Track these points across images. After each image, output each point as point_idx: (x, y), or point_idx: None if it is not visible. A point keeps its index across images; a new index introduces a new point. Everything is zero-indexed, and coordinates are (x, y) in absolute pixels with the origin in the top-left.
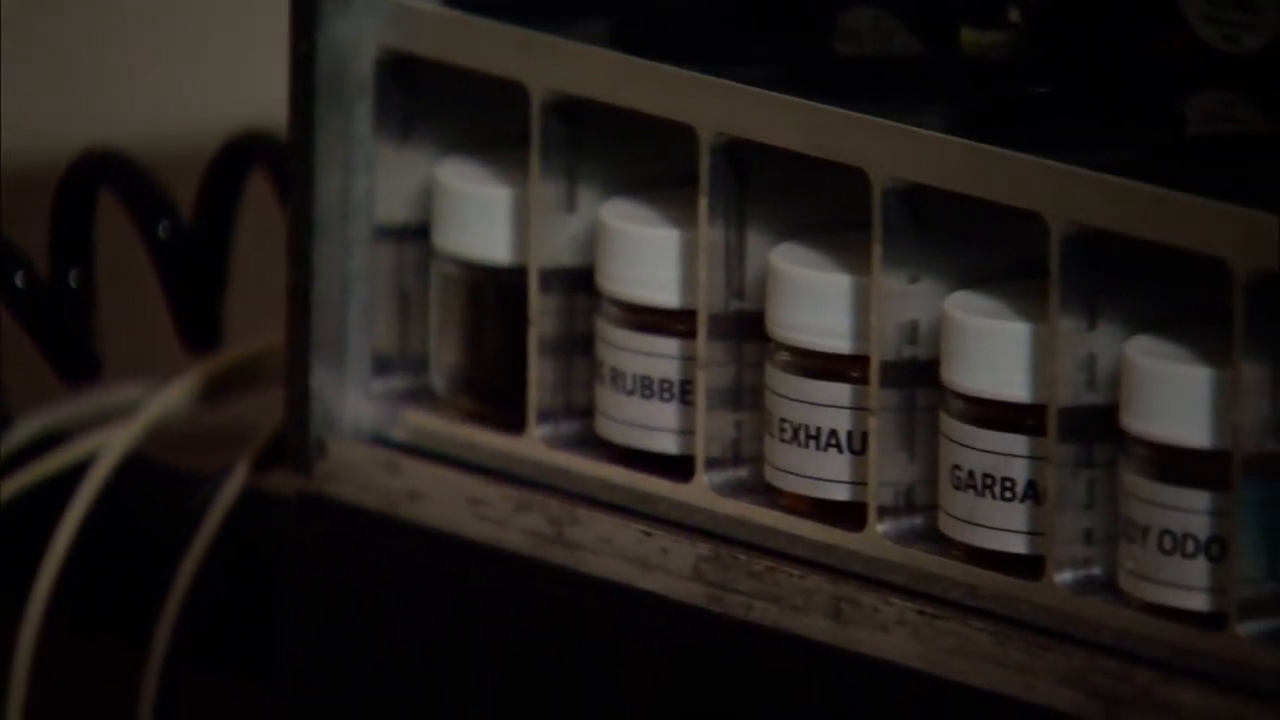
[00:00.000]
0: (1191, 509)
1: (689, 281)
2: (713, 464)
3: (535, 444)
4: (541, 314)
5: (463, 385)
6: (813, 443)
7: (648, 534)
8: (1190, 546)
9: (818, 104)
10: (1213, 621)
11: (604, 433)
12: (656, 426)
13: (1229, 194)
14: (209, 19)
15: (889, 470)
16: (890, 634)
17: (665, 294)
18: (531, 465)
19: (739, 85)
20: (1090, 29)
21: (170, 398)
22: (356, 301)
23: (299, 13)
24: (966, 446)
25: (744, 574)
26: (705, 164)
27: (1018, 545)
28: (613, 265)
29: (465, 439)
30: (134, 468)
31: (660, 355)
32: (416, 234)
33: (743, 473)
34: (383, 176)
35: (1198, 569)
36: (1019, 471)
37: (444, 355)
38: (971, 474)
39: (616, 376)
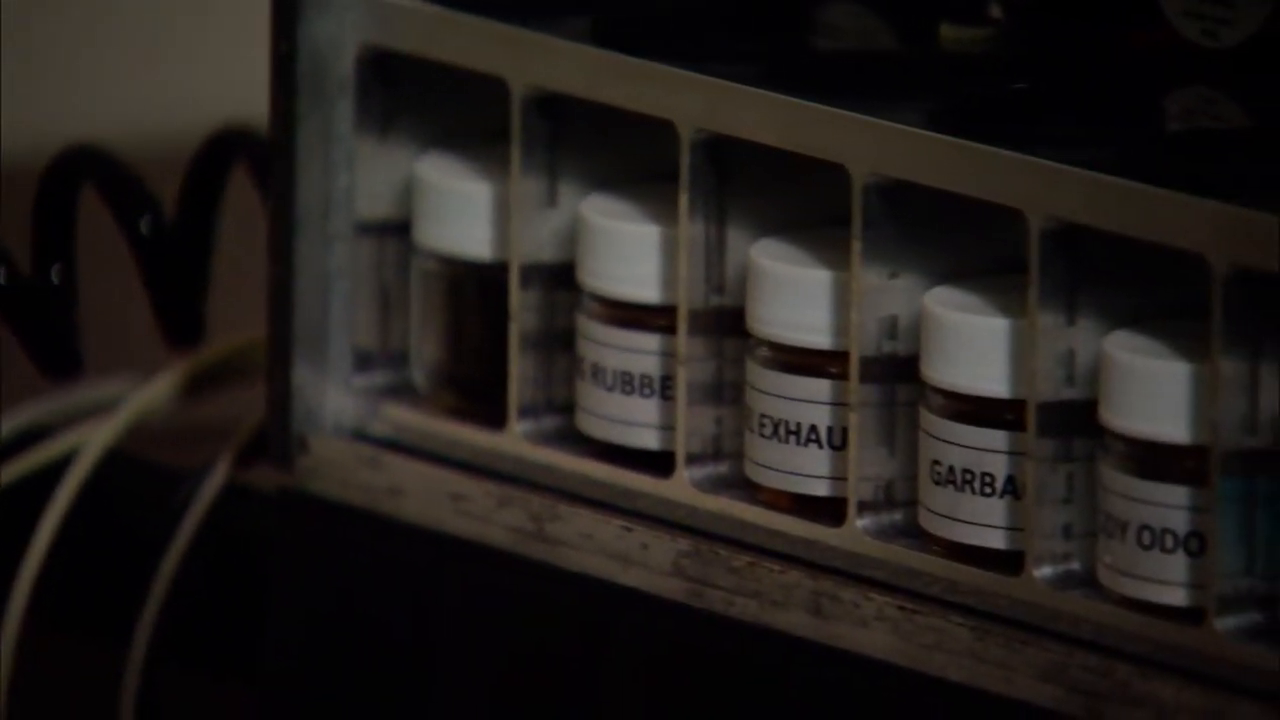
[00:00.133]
0: (1170, 504)
1: (669, 277)
2: (693, 460)
3: (516, 440)
4: (522, 309)
5: (444, 381)
6: (793, 438)
7: (628, 529)
8: (1169, 542)
9: (798, 100)
10: (1191, 616)
11: (585, 428)
12: (637, 422)
13: (1208, 190)
14: (191, 15)
15: (869, 466)
16: (870, 629)
17: (646, 289)
18: (512, 461)
19: (719, 81)
20: (1070, 25)
21: (152, 393)
22: (337, 297)
23: (280, 9)
24: (946, 442)
25: (724, 569)
26: (685, 160)
27: (997, 540)
28: (593, 261)
29: (446, 435)
30: (115, 464)
31: (641, 351)
32: (397, 230)
33: (723, 468)
34: (363, 172)
35: (1176, 564)
36: (998, 467)
37: (425, 351)
38: (951, 469)
39: (597, 372)
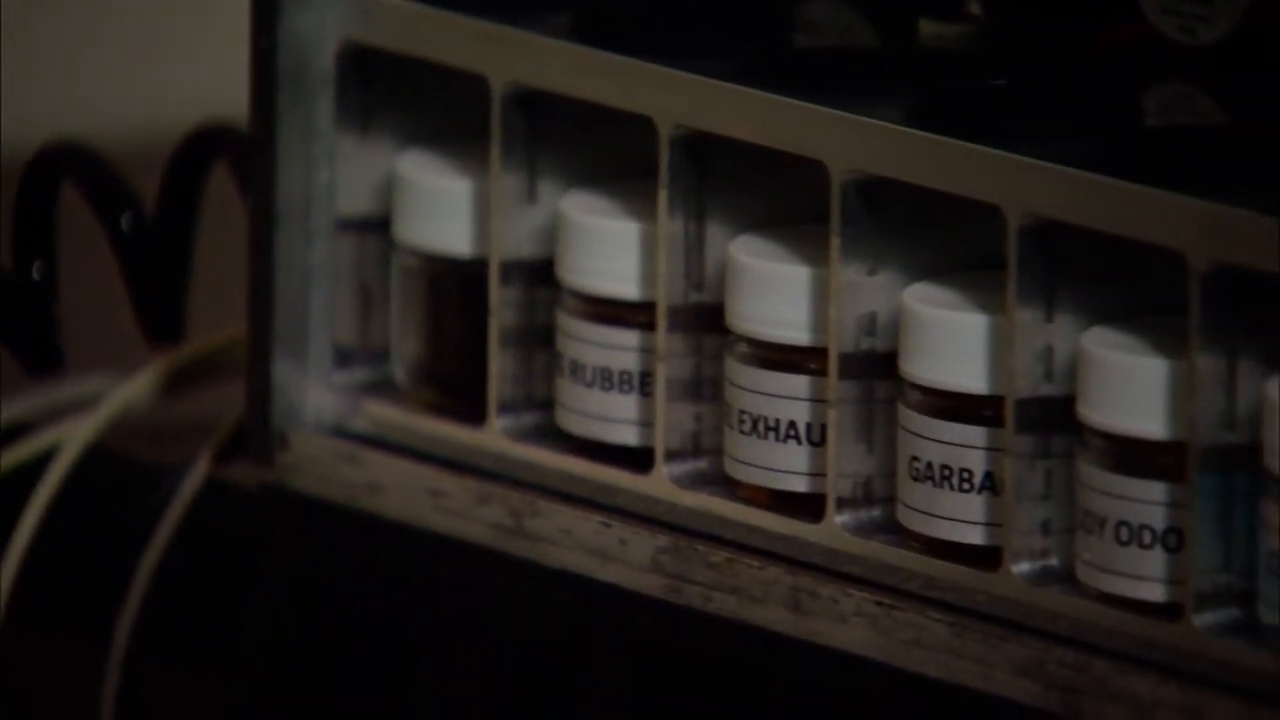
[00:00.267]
0: (1148, 500)
1: (649, 274)
2: (672, 456)
3: (496, 436)
4: (502, 306)
5: (424, 377)
6: (772, 434)
7: (607, 525)
8: (1147, 537)
9: (777, 96)
10: (1169, 612)
11: (564, 425)
12: (616, 418)
13: (1186, 186)
14: (172, 12)
15: (847, 462)
16: (848, 625)
17: (625, 286)
18: (492, 457)
19: (699, 78)
20: (1048, 22)
21: (132, 390)
22: (318, 294)
23: (260, 5)
24: (924, 438)
25: (703, 565)
26: (665, 156)
27: (975, 536)
28: (573, 257)
29: (426, 431)
30: (96, 460)
31: (620, 347)
32: (378, 226)
33: (702, 464)
34: (344, 169)
35: (1154, 560)
36: (977, 463)
37: (405, 347)
38: (929, 465)
39: (577, 368)
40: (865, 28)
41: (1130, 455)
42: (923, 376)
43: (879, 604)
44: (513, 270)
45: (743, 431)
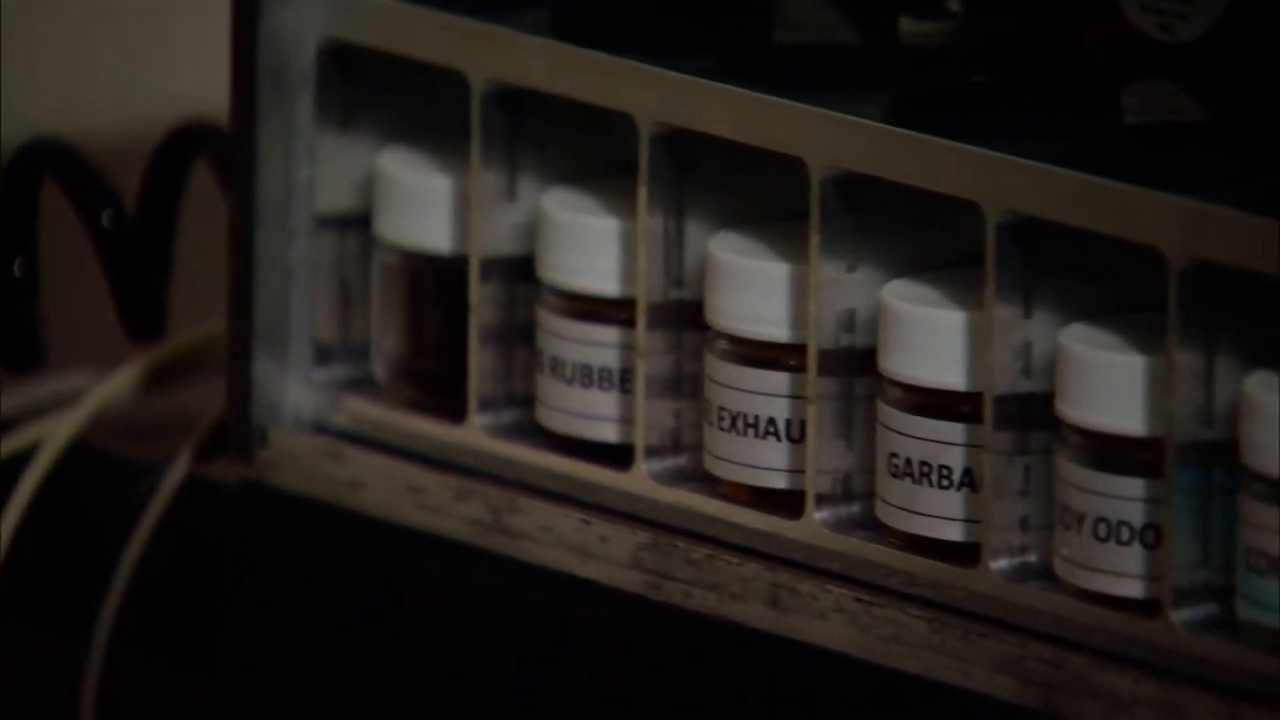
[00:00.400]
0: (1126, 496)
1: (629, 270)
2: (652, 452)
3: (476, 433)
4: (482, 303)
5: (404, 374)
6: (751, 431)
7: (587, 522)
8: (1125, 534)
9: (756, 93)
10: (1147, 608)
11: (544, 421)
12: (596, 415)
13: (1164, 183)
14: (152, 9)
15: (827, 458)
16: (828, 621)
17: (605, 283)
18: (472, 454)
19: (678, 75)
20: (1028, 19)
21: (114, 387)
22: (298, 290)
23: (241, 3)
24: (903, 434)
25: (683, 562)
26: (645, 153)
27: (954, 533)
28: (553, 254)
29: (406, 428)
30: (77, 456)
31: (600, 344)
32: (358, 223)
33: (682, 461)
34: (324, 166)
35: (1132, 556)
36: (955, 459)
37: (385, 344)
38: (909, 462)
39: (556, 365)
40: (845, 24)
41: (1109, 451)
42: (902, 373)
43: (858, 600)
44: (493, 267)
45: (722, 428)
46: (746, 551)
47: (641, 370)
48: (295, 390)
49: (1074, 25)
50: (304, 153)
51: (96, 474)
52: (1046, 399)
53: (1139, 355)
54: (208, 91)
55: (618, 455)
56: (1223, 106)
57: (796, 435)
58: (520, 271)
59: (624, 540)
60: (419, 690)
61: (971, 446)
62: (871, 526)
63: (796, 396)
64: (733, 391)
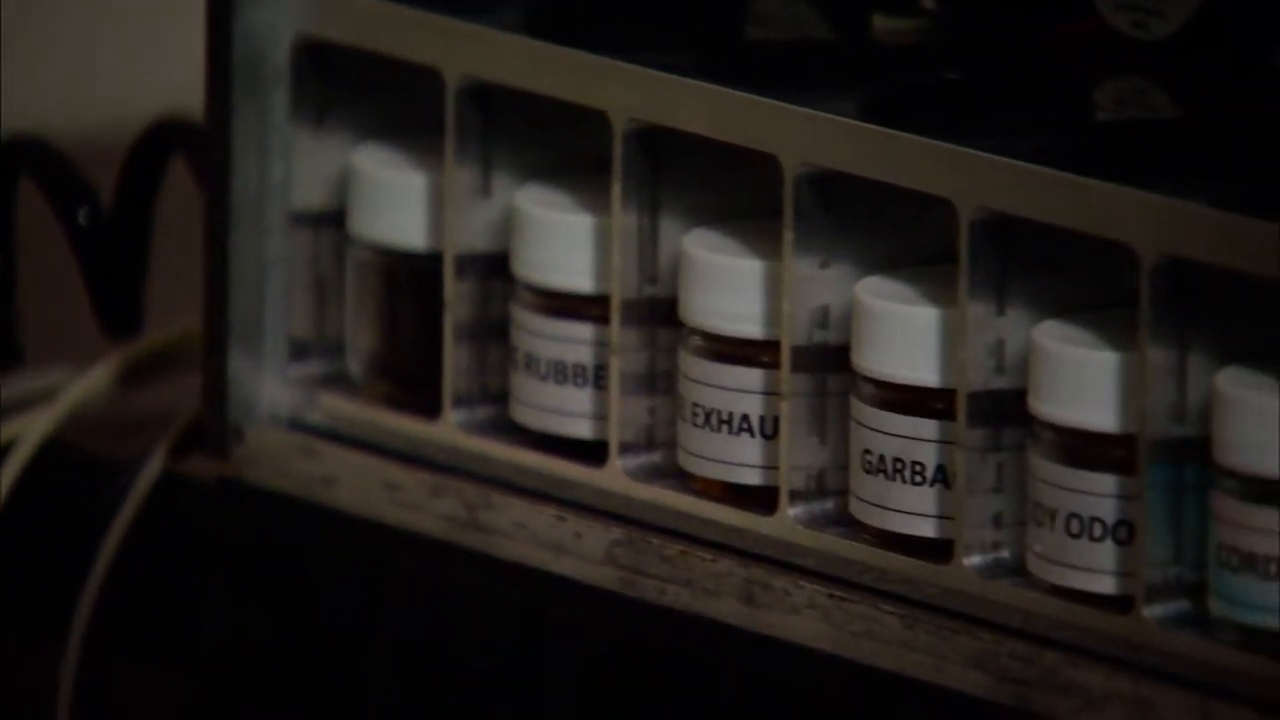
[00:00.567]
0: (1099, 493)
1: (603, 267)
2: (626, 449)
3: (450, 429)
4: (457, 299)
5: (379, 370)
6: (725, 427)
7: (561, 518)
8: (1097, 530)
9: (730, 90)
10: (1119, 604)
11: (519, 418)
12: (570, 412)
13: (1137, 180)
14: (128, 5)
15: (800, 455)
16: (801, 617)
17: (579, 279)
18: (446, 450)
19: (652, 71)
20: (1002, 16)
21: (90, 383)
22: (273, 287)
23: (216, 1)
24: (877, 431)
25: (657, 558)
26: (618, 150)
27: (927, 529)
28: (527, 251)
29: (381, 424)
30: (53, 453)
31: (574, 340)
32: (333, 220)
33: (656, 457)
34: (299, 163)
35: (1105, 552)
36: (929, 456)
37: (360, 341)
38: (882, 458)
39: (531, 362)
40: (819, 21)
41: (1081, 448)
42: (875, 370)
43: (831, 596)
44: (467, 264)
45: (696, 424)
46: (720, 548)
47: (616, 367)
48: (270, 387)
49: (1048, 22)
50: (279, 150)
51: (73, 470)
52: (1019, 396)
53: (1111, 352)
54: (184, 89)
55: (592, 452)
56: (1196, 104)
57: (770, 432)
58: (495, 268)
59: (598, 536)
60: (394, 686)
61: (944, 443)
62: (845, 523)
63: (770, 393)
64: (707, 388)
